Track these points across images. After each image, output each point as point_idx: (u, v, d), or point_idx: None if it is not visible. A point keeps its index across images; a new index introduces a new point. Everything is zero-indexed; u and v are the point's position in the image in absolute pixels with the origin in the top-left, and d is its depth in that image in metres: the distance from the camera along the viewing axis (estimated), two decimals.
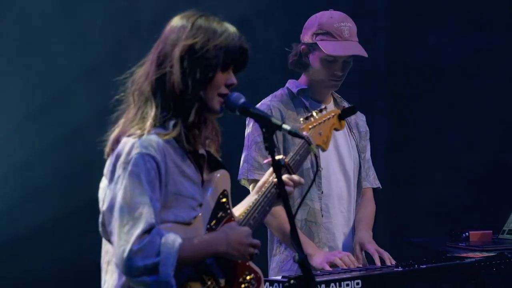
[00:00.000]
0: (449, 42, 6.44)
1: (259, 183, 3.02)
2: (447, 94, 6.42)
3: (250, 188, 3.92)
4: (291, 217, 2.67)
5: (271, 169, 2.91)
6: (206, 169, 2.87)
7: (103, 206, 2.73)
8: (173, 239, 2.61)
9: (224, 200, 2.87)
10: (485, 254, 4.03)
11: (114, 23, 5.59)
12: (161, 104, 2.75)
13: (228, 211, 2.87)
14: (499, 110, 6.32)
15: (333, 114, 3.35)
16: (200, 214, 2.78)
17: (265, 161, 2.84)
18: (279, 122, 2.74)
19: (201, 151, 2.85)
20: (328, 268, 3.74)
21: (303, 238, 3.88)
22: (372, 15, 6.42)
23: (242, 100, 2.80)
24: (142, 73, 2.80)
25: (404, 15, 6.50)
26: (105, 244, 2.80)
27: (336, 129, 3.38)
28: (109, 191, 2.70)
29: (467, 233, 4.65)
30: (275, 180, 2.87)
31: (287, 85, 4.11)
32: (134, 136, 2.71)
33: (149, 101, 2.76)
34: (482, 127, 6.33)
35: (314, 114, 3.24)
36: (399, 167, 6.44)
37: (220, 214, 2.84)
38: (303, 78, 4.08)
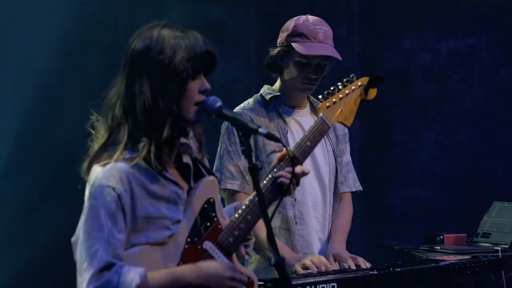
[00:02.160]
0: (424, 46, 6.48)
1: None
2: (422, 98, 6.46)
3: (225, 196, 3.92)
4: (267, 220, 2.65)
5: (275, 162, 2.96)
6: (193, 178, 2.85)
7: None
8: (131, 278, 2.59)
9: (209, 209, 2.84)
10: (460, 257, 4.05)
11: (90, 25, 5.58)
12: (132, 125, 2.72)
13: (215, 219, 2.84)
14: (474, 114, 6.36)
15: (359, 84, 3.30)
16: (177, 231, 2.75)
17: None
18: (255, 126, 2.73)
19: (186, 159, 2.84)
20: (299, 269, 3.74)
21: (278, 242, 3.87)
22: (347, 19, 6.44)
23: (219, 103, 2.77)
24: (113, 95, 2.77)
25: (379, 19, 6.54)
26: None
27: (364, 100, 3.32)
28: (80, 221, 2.71)
29: (441, 236, 4.68)
30: (274, 175, 2.91)
31: (261, 91, 4.09)
32: (100, 165, 2.70)
33: (121, 124, 2.73)
34: (456, 131, 6.37)
35: (338, 88, 3.22)
36: (373, 170, 6.46)
37: (204, 224, 2.82)
38: (278, 83, 4.07)
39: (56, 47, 5.52)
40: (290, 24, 4.00)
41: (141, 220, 2.69)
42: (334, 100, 3.21)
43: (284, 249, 3.85)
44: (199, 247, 2.79)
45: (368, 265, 3.81)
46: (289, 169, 2.94)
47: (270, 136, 2.76)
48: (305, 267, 3.76)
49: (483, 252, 4.13)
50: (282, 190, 2.93)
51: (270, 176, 2.94)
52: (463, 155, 6.36)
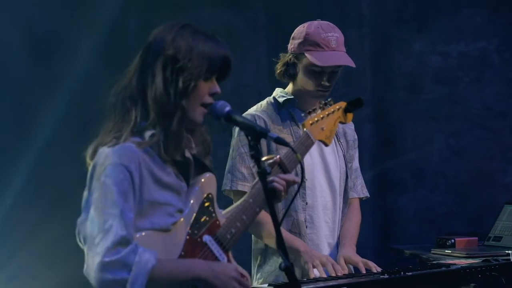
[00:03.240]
0: (434, 49, 6.46)
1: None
2: (433, 101, 6.44)
3: (234, 198, 3.91)
4: (277, 224, 2.66)
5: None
6: (193, 173, 2.87)
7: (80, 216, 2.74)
8: (147, 259, 2.61)
9: (208, 204, 2.86)
10: (471, 261, 4.04)
11: (101, 29, 5.59)
12: (140, 114, 2.75)
13: (213, 214, 2.86)
14: (484, 117, 6.35)
15: (338, 107, 3.42)
16: (180, 220, 2.78)
17: (264, 158, 2.91)
18: (264, 130, 2.74)
19: (188, 154, 2.85)
20: (311, 268, 3.75)
21: (291, 237, 3.87)
22: (357, 22, 6.43)
23: (228, 108, 2.79)
24: (125, 83, 2.80)
25: (389, 22, 6.52)
26: None
27: (342, 123, 3.49)
28: (83, 201, 2.73)
29: (453, 240, 4.66)
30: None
31: (273, 94, 4.08)
32: (109, 145, 2.71)
33: (129, 111, 2.76)
34: (467, 134, 6.36)
35: (318, 108, 3.33)
36: (384, 173, 6.45)
37: (203, 218, 2.84)
38: (290, 86, 4.05)
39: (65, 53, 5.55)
40: (301, 31, 3.97)
41: (146, 204, 2.70)
42: (316, 119, 3.32)
43: (298, 242, 3.87)
44: (198, 239, 2.81)
45: (379, 269, 3.80)
46: (283, 175, 2.99)
47: (279, 141, 2.77)
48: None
49: (494, 256, 4.12)
50: (272, 195, 2.96)
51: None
52: (473, 158, 6.35)
